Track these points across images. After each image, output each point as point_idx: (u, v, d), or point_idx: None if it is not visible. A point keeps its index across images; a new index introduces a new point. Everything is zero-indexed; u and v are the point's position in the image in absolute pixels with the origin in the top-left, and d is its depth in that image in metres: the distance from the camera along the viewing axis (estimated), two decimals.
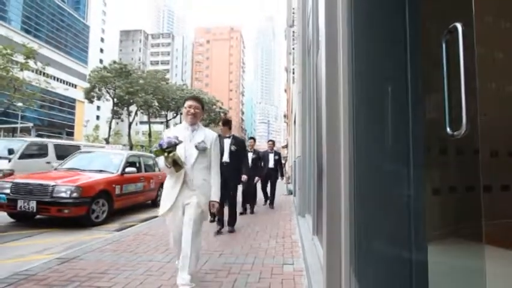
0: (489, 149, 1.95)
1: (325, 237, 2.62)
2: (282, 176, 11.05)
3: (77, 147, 11.74)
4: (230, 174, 5.68)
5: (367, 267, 2.35)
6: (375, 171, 2.34)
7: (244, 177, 6.26)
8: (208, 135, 3.33)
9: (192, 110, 3.26)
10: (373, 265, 2.35)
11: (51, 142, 11.30)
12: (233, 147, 5.90)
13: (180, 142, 3.03)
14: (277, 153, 10.04)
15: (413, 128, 2.20)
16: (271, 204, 9.72)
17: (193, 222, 3.05)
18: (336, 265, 2.46)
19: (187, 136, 3.21)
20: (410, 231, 2.27)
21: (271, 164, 9.67)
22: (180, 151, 3.07)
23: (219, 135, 4.46)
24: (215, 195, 3.27)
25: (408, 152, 2.23)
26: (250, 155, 7.99)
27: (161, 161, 3.04)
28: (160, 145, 2.94)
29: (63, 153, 10.81)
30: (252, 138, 9.45)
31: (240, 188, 6.90)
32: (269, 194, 9.86)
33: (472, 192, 1.96)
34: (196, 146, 3.17)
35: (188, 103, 3.29)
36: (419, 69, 2.24)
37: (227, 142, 5.95)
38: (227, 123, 6.16)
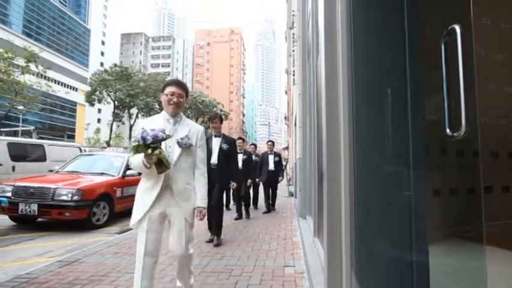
0: (489, 150, 1.95)
1: (326, 238, 2.62)
2: (283, 176, 10.36)
3: (39, 146, 10.97)
4: (219, 178, 5.02)
5: (368, 268, 2.35)
6: (375, 172, 2.34)
7: (233, 185, 5.49)
8: (193, 129, 2.75)
9: (174, 99, 2.63)
10: (374, 267, 2.35)
11: (3, 140, 9.99)
12: (225, 146, 5.21)
13: (168, 137, 2.45)
14: (277, 155, 9.46)
15: (413, 130, 2.20)
16: (273, 205, 9.37)
17: (185, 248, 2.57)
18: (337, 267, 2.45)
19: (167, 130, 2.54)
20: (411, 233, 2.27)
21: (271, 166, 9.06)
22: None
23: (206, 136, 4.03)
24: (202, 201, 2.67)
25: (408, 153, 2.23)
26: (240, 156, 7.77)
27: (137, 158, 2.42)
28: (143, 139, 2.31)
29: (18, 152, 9.89)
30: (241, 138, 8.68)
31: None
32: (270, 196, 9.28)
33: (473, 194, 1.96)
34: (178, 142, 2.60)
35: (170, 89, 2.65)
36: (419, 71, 2.24)
37: (216, 141, 5.24)
38: (216, 118, 5.42)
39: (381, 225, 2.33)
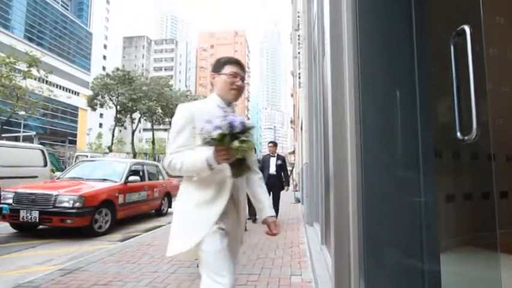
0: (504, 154, 1.88)
1: (333, 246, 2.56)
2: (288, 184, 8.78)
3: None
4: None
5: (378, 277, 2.29)
6: (383, 178, 2.28)
7: None
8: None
9: (238, 82, 2.02)
10: (383, 275, 2.29)
11: None
12: None
13: (253, 127, 1.78)
14: (280, 157, 8.19)
15: (423, 134, 2.15)
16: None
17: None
18: (345, 276, 2.39)
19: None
20: (421, 240, 2.20)
21: (272, 170, 7.93)
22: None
23: None
24: (271, 209, 2.12)
25: (418, 158, 2.18)
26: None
27: (197, 157, 1.73)
28: (231, 125, 1.61)
29: None
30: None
31: None
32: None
33: (486, 199, 1.89)
34: None
35: (232, 69, 2.02)
36: (428, 73, 2.18)
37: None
38: None
39: (390, 232, 2.27)
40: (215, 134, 1.59)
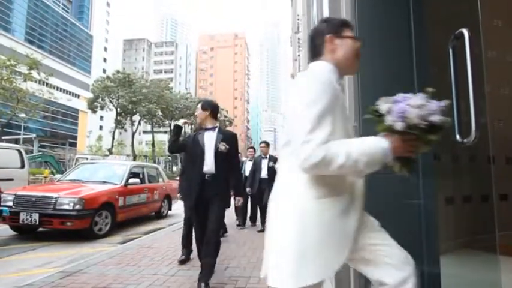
0: (504, 157, 1.88)
1: None
2: None
3: None
4: (213, 189, 3.47)
5: None
6: (382, 180, 2.28)
7: (238, 201, 3.98)
8: None
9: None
10: None
11: None
12: (222, 146, 3.53)
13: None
14: (272, 158, 7.16)
15: None
16: (252, 219, 7.80)
17: None
18: (345, 277, 2.40)
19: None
20: (421, 242, 2.21)
21: (263, 174, 7.07)
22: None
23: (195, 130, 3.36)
24: None
25: (417, 160, 2.18)
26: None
27: (381, 144, 1.27)
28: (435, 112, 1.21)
29: None
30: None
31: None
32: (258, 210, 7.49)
33: (485, 202, 1.90)
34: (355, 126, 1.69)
35: (351, 33, 1.53)
36: (427, 76, 2.19)
37: (210, 137, 3.62)
38: (209, 106, 3.76)
39: (389, 235, 2.27)
40: (402, 120, 1.22)
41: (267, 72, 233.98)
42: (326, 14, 2.75)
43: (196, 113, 3.84)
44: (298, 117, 1.30)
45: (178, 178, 7.52)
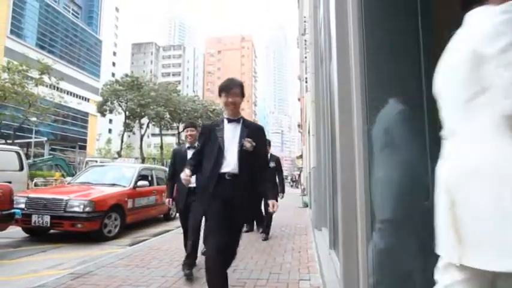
0: None
1: (341, 251, 2.54)
2: (283, 191, 7.28)
3: None
4: (236, 195, 2.72)
5: (386, 282, 2.27)
6: (391, 182, 2.26)
7: (274, 205, 2.86)
8: None
9: None
10: (391, 280, 2.26)
11: None
12: (248, 144, 2.76)
13: None
14: (273, 158, 6.80)
15: (431, 137, 2.12)
16: (265, 231, 6.58)
17: None
18: (354, 280, 2.37)
19: None
20: (431, 244, 2.18)
21: None
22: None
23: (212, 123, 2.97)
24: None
25: (426, 162, 2.16)
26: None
27: None
28: None
29: None
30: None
31: None
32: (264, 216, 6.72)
33: None
34: None
35: None
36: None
37: (232, 130, 2.87)
38: (231, 87, 2.87)
39: (398, 237, 2.25)
40: None
41: (274, 74, 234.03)
42: (333, 15, 2.75)
43: (230, 100, 2.84)
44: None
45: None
